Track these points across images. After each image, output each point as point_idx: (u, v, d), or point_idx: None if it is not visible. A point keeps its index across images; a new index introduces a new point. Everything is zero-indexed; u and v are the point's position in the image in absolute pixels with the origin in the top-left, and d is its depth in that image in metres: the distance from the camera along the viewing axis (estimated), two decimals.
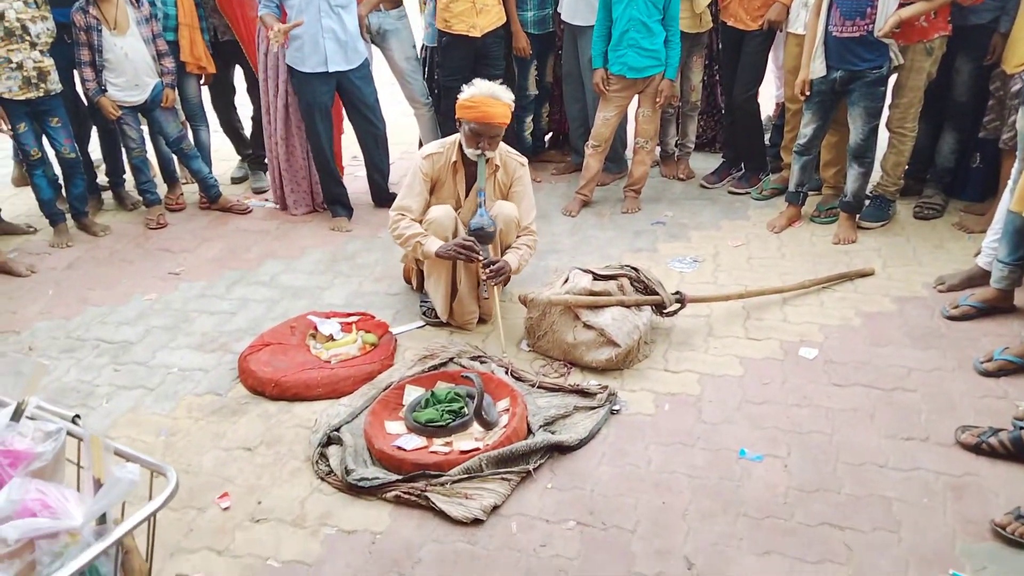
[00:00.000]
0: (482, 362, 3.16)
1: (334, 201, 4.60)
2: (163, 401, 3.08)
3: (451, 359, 3.18)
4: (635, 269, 3.28)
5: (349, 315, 3.49)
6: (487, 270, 3.21)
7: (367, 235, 4.41)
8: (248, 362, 3.16)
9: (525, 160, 3.49)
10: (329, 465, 2.65)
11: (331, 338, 3.31)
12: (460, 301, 3.38)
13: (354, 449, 2.69)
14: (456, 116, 3.29)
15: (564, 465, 2.63)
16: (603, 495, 2.50)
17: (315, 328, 3.37)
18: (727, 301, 3.46)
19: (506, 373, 3.07)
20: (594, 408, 2.85)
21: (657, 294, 3.22)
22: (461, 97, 3.24)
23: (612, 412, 2.86)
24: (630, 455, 2.66)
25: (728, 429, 2.76)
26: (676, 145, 5.08)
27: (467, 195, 3.41)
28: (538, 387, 3.01)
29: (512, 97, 3.27)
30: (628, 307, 3.16)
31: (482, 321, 3.49)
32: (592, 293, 3.15)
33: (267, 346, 3.26)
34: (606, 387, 2.93)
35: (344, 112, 4.57)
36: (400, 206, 3.38)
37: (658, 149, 5.04)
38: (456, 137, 3.37)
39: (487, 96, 3.19)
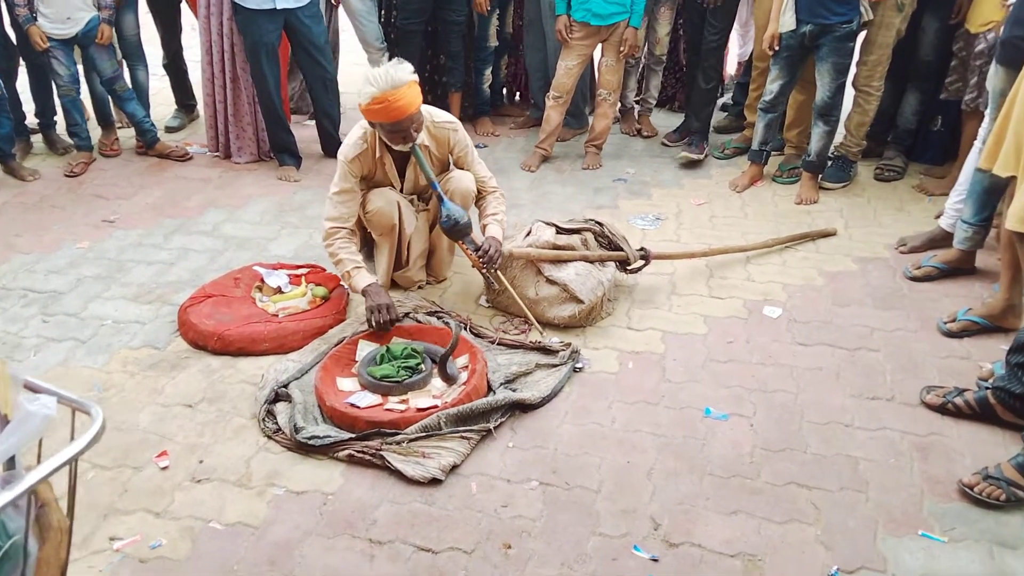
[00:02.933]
0: (439, 317, 3.02)
1: (281, 149, 4.37)
2: (96, 354, 2.87)
3: (407, 314, 3.03)
4: (600, 224, 3.17)
5: (298, 267, 3.31)
6: (482, 260, 2.93)
7: (316, 185, 4.20)
8: (188, 314, 2.96)
9: (454, 119, 3.10)
10: (277, 423, 2.50)
11: (279, 291, 3.13)
12: (406, 271, 3.21)
13: (304, 406, 2.54)
14: (367, 120, 2.87)
15: (526, 424, 2.53)
16: (566, 454, 2.40)
17: (261, 280, 3.18)
18: (691, 259, 3.37)
19: (465, 329, 2.94)
20: (556, 366, 2.75)
21: (622, 250, 3.11)
22: (361, 103, 2.74)
23: (575, 370, 2.76)
24: (594, 414, 2.57)
25: (693, 388, 2.68)
26: (636, 100, 4.95)
27: (402, 176, 3.12)
28: (498, 344, 2.89)
29: (411, 69, 2.77)
30: (592, 262, 3.05)
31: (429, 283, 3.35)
32: (555, 247, 3.03)
33: (209, 298, 3.07)
34: (568, 344, 2.83)
35: (291, 54, 4.32)
36: (333, 217, 2.95)
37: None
38: (368, 127, 2.94)
39: (389, 90, 2.68)
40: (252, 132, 4.45)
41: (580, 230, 3.12)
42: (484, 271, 3.00)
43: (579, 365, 2.78)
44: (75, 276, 3.38)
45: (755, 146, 4.15)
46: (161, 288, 3.29)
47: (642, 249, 3.18)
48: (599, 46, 4.26)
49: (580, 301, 2.93)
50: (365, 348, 2.79)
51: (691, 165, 4.44)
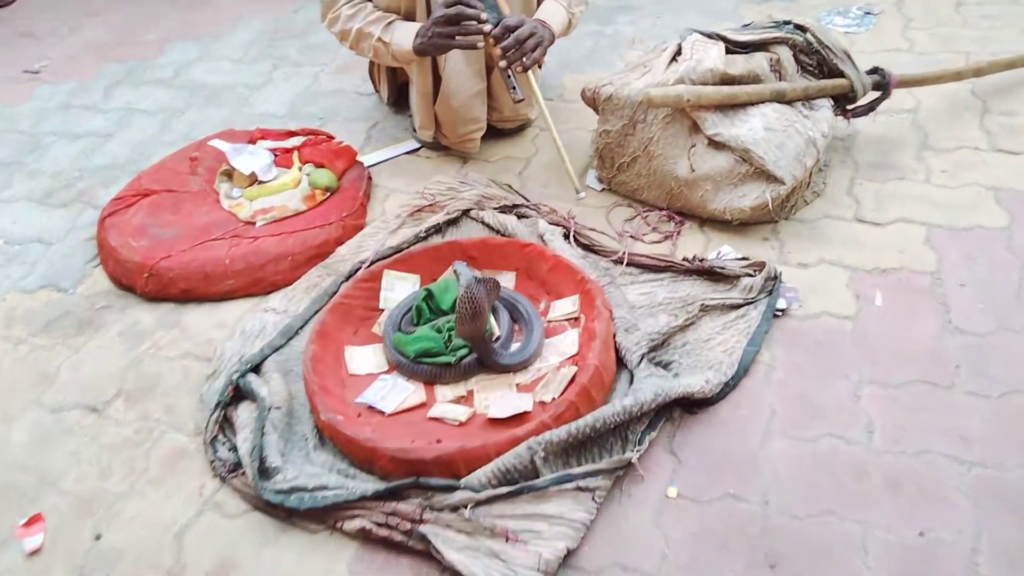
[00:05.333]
0: (521, 216, 1.76)
1: None
2: None
3: (466, 212, 1.77)
4: (801, 28, 1.76)
5: (290, 135, 2.06)
6: (501, 45, 1.70)
7: None
8: (108, 229, 1.80)
9: None
10: (236, 450, 1.36)
11: (255, 179, 1.90)
12: (445, 99, 1.89)
13: (287, 411, 1.38)
14: None
15: (695, 437, 1.32)
16: (790, 515, 1.19)
17: (228, 162, 1.94)
18: (952, 83, 1.95)
19: (566, 240, 1.67)
20: (739, 306, 1.49)
21: (843, 75, 1.72)
22: None
23: (773, 314, 1.49)
24: (826, 413, 1.33)
25: (1013, 345, 1.39)
26: None
27: None
28: (626, 263, 1.62)
29: None
30: (790, 103, 1.68)
31: (500, 133, 2.04)
32: (726, 80, 1.66)
33: (145, 196, 1.89)
34: (761, 265, 1.54)
35: None
36: None
37: None
38: None
39: None
40: None
41: (767, 43, 1.72)
42: (502, 64, 1.73)
43: (781, 305, 1.51)
44: None
45: None
46: (85, 178, 2.13)
47: (876, 71, 1.78)
48: None
49: (775, 179, 1.60)
50: (397, 288, 1.58)
51: None
